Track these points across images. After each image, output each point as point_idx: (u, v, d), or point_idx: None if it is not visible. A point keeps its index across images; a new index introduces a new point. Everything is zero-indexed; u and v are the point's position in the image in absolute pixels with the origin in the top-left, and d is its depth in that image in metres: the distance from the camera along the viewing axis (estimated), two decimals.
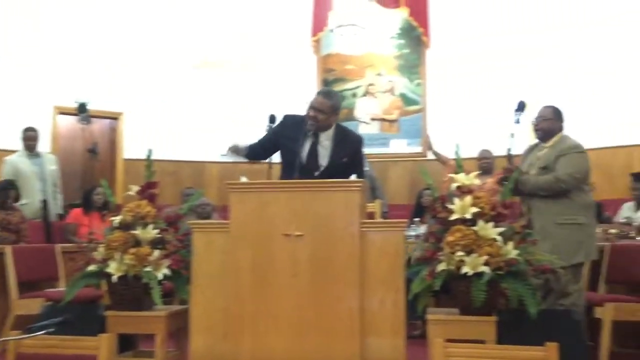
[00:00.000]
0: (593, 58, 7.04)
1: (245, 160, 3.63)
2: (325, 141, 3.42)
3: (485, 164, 5.57)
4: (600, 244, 4.10)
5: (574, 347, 2.83)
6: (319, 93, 3.48)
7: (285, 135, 3.44)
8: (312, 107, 3.37)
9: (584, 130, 7.00)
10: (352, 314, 2.86)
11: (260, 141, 3.63)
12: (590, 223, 3.74)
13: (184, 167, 7.77)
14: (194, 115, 7.82)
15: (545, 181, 3.65)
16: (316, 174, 3.35)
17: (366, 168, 5.86)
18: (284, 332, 2.89)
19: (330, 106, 3.38)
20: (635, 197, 5.08)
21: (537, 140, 3.94)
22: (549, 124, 3.83)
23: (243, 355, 2.88)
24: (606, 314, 3.73)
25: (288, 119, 3.56)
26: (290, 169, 3.32)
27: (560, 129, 3.86)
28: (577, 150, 3.74)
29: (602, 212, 5.19)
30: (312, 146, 3.39)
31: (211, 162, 7.93)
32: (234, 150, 3.51)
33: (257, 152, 3.58)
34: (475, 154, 5.67)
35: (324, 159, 3.39)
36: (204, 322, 2.99)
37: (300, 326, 2.87)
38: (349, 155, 3.43)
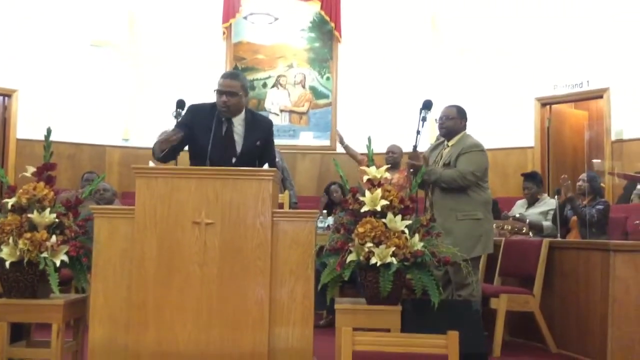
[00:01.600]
0: (496, 60, 7.43)
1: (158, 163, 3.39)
2: (238, 126, 3.36)
3: (391, 158, 5.71)
4: (496, 239, 4.34)
5: (473, 335, 2.98)
6: (224, 76, 3.36)
7: (195, 126, 3.31)
8: (221, 92, 3.28)
9: (480, 131, 7.40)
10: (261, 304, 2.84)
11: None
12: (488, 218, 3.94)
13: (84, 149, 7.38)
14: (94, 96, 7.44)
15: (449, 175, 3.80)
16: (234, 160, 3.28)
17: (277, 159, 5.86)
18: (190, 322, 2.81)
19: (240, 86, 3.32)
20: (525, 196, 5.41)
21: (442, 138, 4.09)
22: (453, 123, 3.99)
23: (145, 347, 2.77)
24: (500, 304, 3.95)
25: (194, 108, 3.45)
26: (202, 158, 3.22)
27: (463, 127, 4.03)
28: (478, 148, 3.92)
29: (498, 209, 5.49)
30: (226, 133, 3.31)
31: (112, 146, 7.59)
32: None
33: (166, 155, 3.28)
34: (383, 149, 5.81)
35: (239, 145, 3.33)
36: (105, 312, 2.84)
37: (207, 316, 2.81)
38: (261, 138, 3.39)
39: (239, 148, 3.34)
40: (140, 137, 7.48)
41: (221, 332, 2.80)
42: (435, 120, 4.13)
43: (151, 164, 3.05)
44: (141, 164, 3.02)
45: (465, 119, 4.06)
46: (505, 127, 7.32)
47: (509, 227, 4.90)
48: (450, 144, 3.99)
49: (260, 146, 3.38)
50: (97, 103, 7.44)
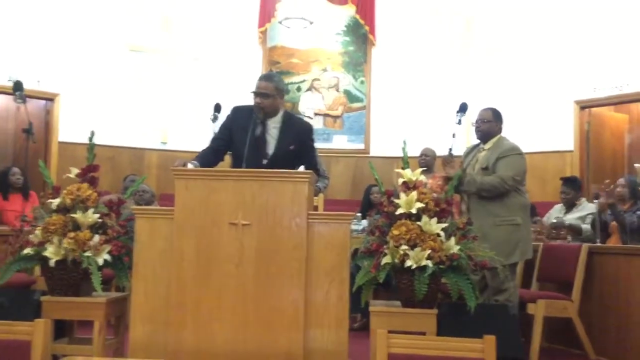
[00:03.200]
0: (533, 62, 7.32)
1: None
2: (273, 129, 3.39)
3: (424, 161, 5.67)
4: (535, 244, 4.28)
5: (510, 340, 2.95)
6: (260, 78, 3.44)
7: (236, 127, 3.39)
8: (255, 93, 3.33)
9: (518, 134, 7.30)
10: (297, 305, 2.86)
11: (210, 146, 3.50)
12: (526, 223, 3.89)
13: (123, 152, 7.53)
14: (133, 100, 7.60)
15: (490, 183, 3.76)
16: (264, 162, 3.32)
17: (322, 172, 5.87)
18: (227, 322, 2.85)
19: (273, 88, 3.36)
20: (563, 200, 5.31)
21: (477, 141, 4.06)
22: (489, 126, 3.96)
23: (184, 345, 2.83)
24: (538, 310, 3.90)
25: (236, 110, 3.52)
26: (239, 159, 3.28)
27: (499, 130, 3.99)
28: (516, 152, 3.88)
29: (536, 213, 5.41)
30: (260, 134, 3.35)
31: (151, 149, 7.74)
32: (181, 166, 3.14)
33: (209, 161, 3.34)
34: (418, 153, 5.78)
35: (271, 148, 3.36)
36: (145, 310, 2.91)
37: (243, 316, 2.85)
38: (296, 143, 3.40)
39: (270, 150, 3.37)
40: (178, 140, 7.62)
41: (257, 332, 2.84)
42: (472, 123, 4.10)
43: (190, 165, 3.11)
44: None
45: (501, 122, 4.02)
46: (544, 131, 7.20)
47: (547, 232, 4.83)
48: (486, 147, 3.96)
49: (295, 150, 3.39)
50: (136, 107, 7.59)
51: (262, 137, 3.36)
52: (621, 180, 5.09)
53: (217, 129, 3.90)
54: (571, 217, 5.12)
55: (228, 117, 3.53)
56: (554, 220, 5.07)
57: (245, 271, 2.88)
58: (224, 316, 2.85)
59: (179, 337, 2.84)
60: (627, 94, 6.78)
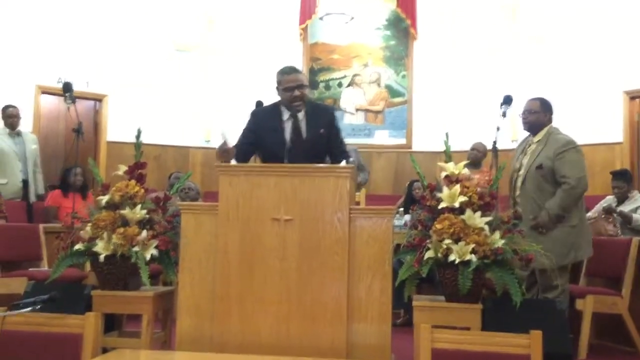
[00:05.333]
0: (581, 51, 7.12)
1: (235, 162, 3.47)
2: (301, 120, 3.37)
3: (474, 155, 5.60)
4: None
5: (557, 336, 2.88)
6: (290, 71, 3.38)
7: (262, 129, 3.37)
8: (290, 87, 3.31)
9: (565, 126, 7.12)
10: (339, 299, 2.87)
11: (242, 143, 3.44)
12: (583, 223, 3.77)
13: (168, 151, 7.70)
14: (178, 99, 7.75)
15: (562, 201, 3.60)
16: (296, 147, 3.30)
17: (352, 158, 5.87)
18: (271, 315, 2.88)
19: (307, 79, 3.38)
20: (615, 195, 5.17)
21: (526, 134, 3.96)
22: (537, 117, 3.83)
23: (229, 337, 2.88)
24: (587, 305, 3.80)
25: (258, 112, 3.55)
26: (276, 159, 3.27)
27: (549, 121, 3.85)
28: (573, 146, 3.71)
29: (586, 208, 5.27)
30: (294, 126, 3.35)
31: (195, 148, 7.88)
32: (222, 148, 3.18)
33: (246, 151, 3.39)
34: (461, 147, 5.70)
35: (304, 134, 3.36)
36: (191, 304, 2.97)
37: (287, 310, 2.88)
38: (325, 126, 3.39)
39: (304, 137, 3.35)
40: (221, 138, 7.74)
41: (301, 325, 2.86)
42: (519, 115, 3.99)
43: (232, 161, 3.16)
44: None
45: (551, 112, 3.88)
46: (592, 122, 6.98)
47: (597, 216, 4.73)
48: (535, 139, 3.83)
49: (325, 134, 3.37)
50: (181, 106, 7.75)
51: (297, 128, 3.35)
52: None
53: None
54: (624, 209, 4.99)
55: (250, 121, 3.48)
56: (605, 205, 4.95)
57: (288, 265, 2.91)
58: (268, 309, 2.89)
59: (224, 329, 2.89)
60: None
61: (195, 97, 7.82)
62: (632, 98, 6.92)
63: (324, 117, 3.43)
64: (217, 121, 7.81)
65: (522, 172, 3.80)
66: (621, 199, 5.10)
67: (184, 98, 7.77)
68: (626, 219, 4.83)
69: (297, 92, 3.33)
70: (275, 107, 3.44)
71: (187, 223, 3.02)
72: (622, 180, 5.14)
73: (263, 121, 3.42)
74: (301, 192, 2.95)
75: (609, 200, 5.20)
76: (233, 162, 3.19)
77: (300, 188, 2.95)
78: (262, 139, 3.38)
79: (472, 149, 5.68)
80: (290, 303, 2.88)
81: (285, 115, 3.37)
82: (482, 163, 5.62)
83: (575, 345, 3.65)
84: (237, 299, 2.90)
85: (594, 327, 3.92)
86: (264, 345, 2.85)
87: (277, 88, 3.39)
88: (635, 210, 4.94)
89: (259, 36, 7.98)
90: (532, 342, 2.09)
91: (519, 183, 3.80)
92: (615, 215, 4.80)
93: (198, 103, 7.82)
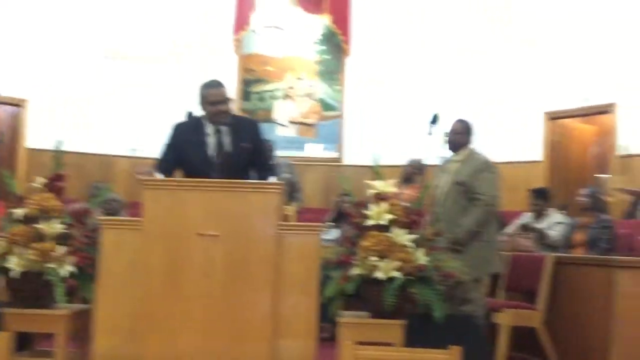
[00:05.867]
0: (505, 73, 7.45)
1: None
2: (226, 132, 3.34)
3: (407, 172, 5.72)
4: (504, 254, 4.34)
5: (476, 351, 2.97)
6: (212, 86, 3.35)
7: (185, 142, 3.32)
8: (214, 102, 3.28)
9: (489, 144, 7.41)
10: (265, 317, 2.85)
11: (164, 159, 3.39)
12: (494, 239, 3.97)
13: (91, 159, 7.43)
14: (104, 106, 7.51)
15: (476, 218, 3.78)
16: (222, 161, 3.27)
17: (287, 175, 5.89)
18: (194, 333, 2.83)
19: (226, 93, 3.36)
20: (533, 211, 5.40)
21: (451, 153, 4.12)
22: (460, 137, 4.03)
23: (150, 357, 2.79)
24: (504, 319, 3.94)
25: (181, 126, 3.48)
26: (198, 172, 3.21)
27: (469, 142, 4.05)
28: (490, 167, 3.96)
29: (505, 223, 5.49)
30: (218, 140, 3.30)
31: (120, 157, 7.64)
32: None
33: (168, 167, 3.32)
34: (392, 162, 5.81)
35: (229, 148, 3.32)
36: (109, 323, 2.87)
37: (212, 328, 2.83)
38: (249, 139, 3.37)
39: (229, 151, 3.32)
40: (147, 146, 7.53)
41: (225, 343, 2.82)
42: (444, 134, 4.15)
43: (158, 175, 3.09)
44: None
45: (471, 135, 4.09)
46: (514, 141, 7.31)
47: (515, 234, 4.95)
48: (456, 158, 4.01)
49: (250, 148, 3.35)
50: (106, 113, 7.51)
51: (219, 143, 3.31)
52: (584, 191, 5.21)
53: None
54: (539, 226, 5.22)
55: (172, 136, 3.41)
56: (522, 222, 5.17)
57: (214, 282, 2.86)
58: (192, 327, 2.83)
59: (144, 349, 2.80)
60: (594, 105, 6.93)
61: (123, 105, 7.60)
62: (552, 119, 7.29)
63: (248, 130, 3.41)
64: (145, 130, 7.62)
65: (443, 189, 3.93)
66: (538, 216, 5.34)
67: (110, 106, 7.53)
68: (542, 236, 5.06)
69: (221, 107, 3.30)
70: (198, 121, 3.39)
71: (107, 238, 2.92)
72: (540, 198, 5.39)
73: (186, 135, 3.36)
74: (228, 208, 2.92)
75: (526, 217, 5.43)
76: (159, 176, 3.11)
77: (227, 204, 2.92)
78: (186, 153, 3.31)
79: (407, 165, 5.82)
80: (215, 321, 2.84)
81: (209, 129, 3.32)
82: (417, 179, 5.75)
83: (493, 358, 3.77)
84: (160, 317, 2.83)
85: (511, 340, 4.06)
86: None
87: (201, 102, 3.35)
88: (551, 227, 5.19)
89: (192, 45, 7.86)
90: (452, 357, 2.15)
91: (439, 199, 3.93)
92: (531, 231, 5.03)
93: (125, 111, 7.60)
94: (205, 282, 2.86)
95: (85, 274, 2.94)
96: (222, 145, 3.29)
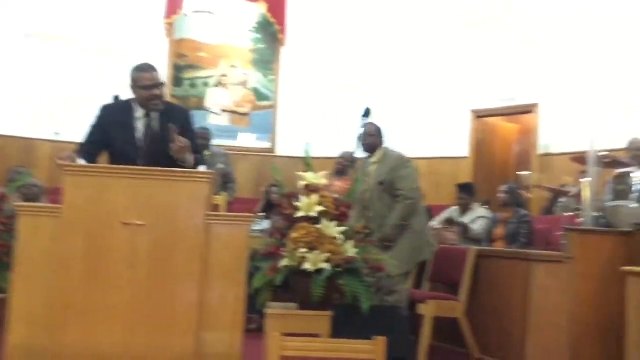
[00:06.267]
0: (435, 70, 7.63)
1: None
2: (155, 118, 3.22)
3: (340, 165, 5.76)
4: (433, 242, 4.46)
5: (400, 341, 3.05)
6: (147, 69, 3.23)
7: (113, 125, 3.19)
8: (148, 86, 3.17)
9: (417, 139, 7.61)
10: (190, 308, 2.79)
11: (89, 141, 3.25)
12: (423, 227, 4.08)
13: (12, 143, 7.06)
14: (25, 88, 7.14)
15: (400, 213, 3.91)
16: (150, 147, 3.16)
17: (221, 165, 5.80)
18: (116, 326, 2.74)
19: (160, 78, 3.26)
20: (459, 206, 5.58)
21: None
22: (373, 139, 4.15)
23: (67, 350, 2.68)
24: (427, 310, 4.06)
25: (109, 108, 3.34)
26: (127, 158, 3.12)
27: (382, 143, 4.18)
28: (405, 161, 4.10)
29: (431, 216, 5.64)
30: (147, 125, 3.20)
31: (42, 140, 7.30)
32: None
33: (93, 150, 3.18)
34: (325, 154, 5.85)
35: (159, 134, 3.20)
36: (25, 313, 2.73)
37: (134, 320, 2.74)
38: (179, 127, 3.22)
39: (159, 138, 3.19)
40: (71, 131, 7.22)
41: (148, 336, 2.74)
42: (358, 137, 4.21)
43: (80, 161, 2.96)
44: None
45: (383, 136, 4.22)
46: (442, 137, 7.53)
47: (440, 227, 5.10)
48: (373, 160, 4.13)
49: (180, 134, 3.22)
50: (28, 95, 7.15)
51: (149, 128, 3.20)
52: (504, 187, 5.45)
53: None
54: (464, 220, 5.40)
55: (99, 117, 3.27)
56: (447, 216, 5.34)
57: (138, 273, 2.78)
58: (113, 319, 2.74)
59: (62, 341, 2.69)
60: (517, 105, 7.23)
61: (46, 87, 7.25)
62: (478, 117, 7.55)
63: (179, 118, 3.32)
64: (69, 114, 7.31)
65: (368, 191, 4.04)
66: (464, 210, 5.52)
67: (32, 87, 7.17)
68: (465, 230, 5.24)
69: (156, 91, 3.20)
70: (127, 103, 3.26)
71: (24, 226, 2.77)
72: (466, 193, 5.57)
73: (114, 117, 3.22)
74: (156, 197, 2.83)
75: (451, 211, 5.61)
76: (81, 161, 2.98)
77: (155, 192, 2.84)
78: (112, 137, 3.18)
79: (339, 157, 5.86)
80: (138, 313, 2.75)
81: (139, 113, 3.21)
82: (349, 172, 5.81)
83: (416, 348, 3.88)
84: (79, 308, 2.72)
85: (434, 330, 4.19)
86: (106, 358, 2.70)
87: (132, 86, 3.23)
88: (474, 221, 5.38)
89: (122, 27, 7.59)
90: (376, 348, 2.18)
91: (368, 202, 4.02)
92: (456, 225, 5.19)
93: (48, 94, 7.25)
94: (129, 272, 2.77)
95: (1, 262, 2.79)
96: (151, 131, 3.19)
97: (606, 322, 3.22)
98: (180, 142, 3.11)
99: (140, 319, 2.75)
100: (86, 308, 2.72)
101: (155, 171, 2.90)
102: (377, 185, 4.00)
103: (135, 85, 3.19)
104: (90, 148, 3.19)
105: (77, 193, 2.78)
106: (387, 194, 4.00)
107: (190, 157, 3.16)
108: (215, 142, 6.44)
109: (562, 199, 5.63)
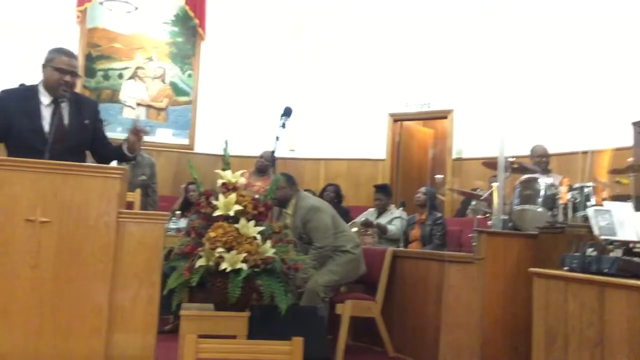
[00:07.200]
0: (354, 72, 7.74)
1: None
2: (64, 107, 3.06)
3: (260, 163, 5.69)
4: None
5: (317, 341, 3.04)
6: (65, 54, 3.06)
7: (15, 111, 2.97)
8: (62, 70, 2.99)
9: (337, 141, 7.69)
10: (100, 311, 2.65)
11: None
12: (348, 257, 4.18)
13: None
14: None
15: (315, 259, 3.95)
16: (60, 141, 2.97)
17: (143, 177, 5.54)
18: (18, 328, 2.55)
19: (77, 66, 3.10)
20: (376, 206, 5.67)
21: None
22: (284, 192, 4.15)
23: None
24: (345, 310, 4.09)
25: (11, 93, 3.10)
26: (30, 148, 2.93)
27: (294, 192, 4.21)
28: (315, 211, 4.12)
29: (350, 217, 5.70)
30: (55, 113, 3.00)
31: None
32: None
33: None
34: (244, 152, 5.77)
35: (67, 124, 3.05)
36: None
37: (38, 323, 2.57)
38: (89, 117, 3.14)
39: (67, 127, 3.05)
40: None
41: (53, 340, 2.58)
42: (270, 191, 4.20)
43: None
44: None
45: (295, 184, 4.25)
46: (361, 140, 7.65)
47: (356, 229, 5.15)
48: (288, 211, 4.15)
49: (90, 126, 3.13)
50: None
51: (59, 117, 3.01)
52: (422, 189, 5.60)
53: None
54: (381, 221, 5.49)
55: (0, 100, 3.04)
56: (364, 219, 5.41)
57: (43, 273, 2.60)
58: (14, 324, 2.55)
59: None
60: (433, 110, 7.47)
61: None
62: (395, 120, 7.73)
63: (88, 109, 3.15)
64: None
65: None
66: (381, 211, 5.62)
67: None
68: (382, 230, 5.34)
69: (68, 78, 3.01)
70: (31, 89, 3.04)
71: None
72: (383, 194, 5.67)
73: (16, 103, 3.00)
74: (63, 192, 2.67)
75: (368, 213, 5.69)
76: None
77: (62, 187, 2.67)
78: (14, 124, 2.96)
79: (260, 156, 5.79)
80: (42, 316, 2.58)
81: (45, 100, 3.02)
82: (270, 171, 5.75)
83: (333, 347, 3.90)
84: None
85: (352, 330, 4.23)
86: None
87: (45, 65, 3.02)
88: (390, 221, 5.49)
89: (32, 13, 7.15)
90: (293, 348, 2.16)
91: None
92: (373, 227, 5.27)
93: None
94: (32, 273, 2.59)
95: None
96: (59, 120, 3.00)
97: (515, 320, 3.36)
98: (142, 132, 2.98)
99: (45, 322, 2.58)
100: None
101: (63, 165, 2.73)
102: (298, 241, 4.01)
103: (49, 64, 3.00)
104: None
105: None
106: (307, 243, 4.10)
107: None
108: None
109: (474, 202, 5.85)
